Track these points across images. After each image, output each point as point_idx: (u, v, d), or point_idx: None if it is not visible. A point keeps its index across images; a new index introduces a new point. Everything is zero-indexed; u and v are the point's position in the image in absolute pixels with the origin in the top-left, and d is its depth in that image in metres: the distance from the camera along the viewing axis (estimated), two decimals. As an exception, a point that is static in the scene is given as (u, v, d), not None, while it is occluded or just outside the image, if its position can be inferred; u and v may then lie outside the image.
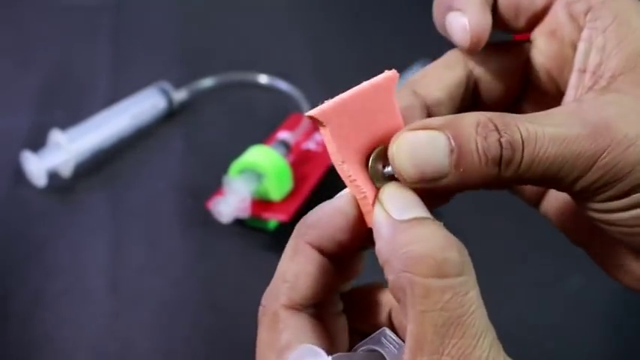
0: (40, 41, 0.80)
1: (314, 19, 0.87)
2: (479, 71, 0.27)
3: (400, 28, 0.82)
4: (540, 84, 0.27)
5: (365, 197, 0.22)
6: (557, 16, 0.25)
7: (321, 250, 0.24)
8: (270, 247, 0.54)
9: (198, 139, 0.66)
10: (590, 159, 0.21)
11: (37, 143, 0.60)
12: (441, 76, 0.26)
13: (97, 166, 0.62)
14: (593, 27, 0.24)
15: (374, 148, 0.22)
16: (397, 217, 0.21)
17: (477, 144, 0.21)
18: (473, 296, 0.20)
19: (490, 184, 0.22)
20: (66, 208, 0.58)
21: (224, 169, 0.56)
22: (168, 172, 0.62)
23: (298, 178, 0.56)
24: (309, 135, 0.63)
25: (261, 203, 0.55)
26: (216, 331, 0.48)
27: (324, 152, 0.60)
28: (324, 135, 0.22)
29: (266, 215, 0.54)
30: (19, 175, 0.59)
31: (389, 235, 0.21)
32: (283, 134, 0.61)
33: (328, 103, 0.22)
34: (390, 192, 0.22)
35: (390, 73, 0.23)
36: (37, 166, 0.58)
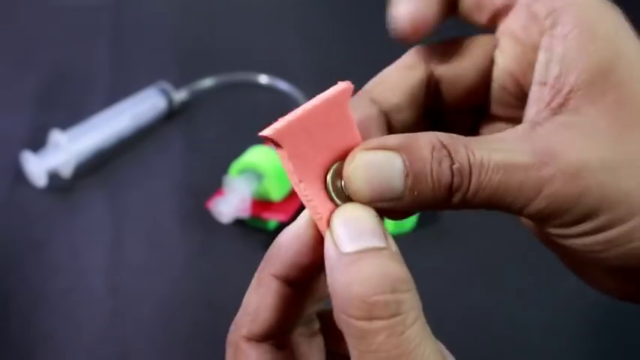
0: (41, 42, 0.80)
1: (314, 19, 0.87)
2: (440, 71, 0.25)
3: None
4: (506, 86, 0.25)
5: (321, 219, 0.21)
6: (519, 16, 0.23)
7: (285, 279, 0.23)
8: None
9: (198, 139, 0.67)
10: (534, 189, 0.20)
11: (37, 143, 0.60)
12: (400, 79, 0.25)
13: (97, 166, 0.62)
14: (553, 34, 0.22)
15: (331, 165, 0.22)
16: (343, 249, 0.20)
17: (431, 169, 0.20)
18: (411, 334, 0.19)
19: (441, 208, 0.21)
20: (66, 208, 0.58)
21: (224, 169, 0.56)
22: (168, 172, 0.62)
23: (298, 178, 0.56)
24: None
25: (261, 203, 0.55)
26: (215, 331, 0.48)
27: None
28: (280, 154, 0.21)
29: (266, 215, 0.54)
30: (19, 176, 0.59)
31: (333, 271, 0.20)
32: (283, 134, 0.61)
33: (282, 122, 0.21)
34: (342, 216, 0.21)
35: (343, 85, 0.22)
36: (37, 167, 0.58)
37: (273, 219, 0.54)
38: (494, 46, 0.25)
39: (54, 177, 0.59)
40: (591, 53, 0.21)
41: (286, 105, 0.69)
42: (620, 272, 0.23)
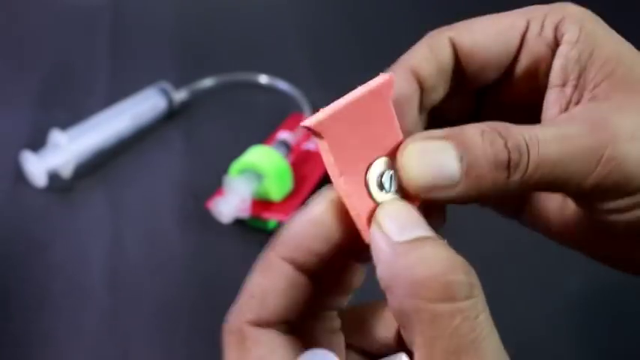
0: (41, 41, 0.80)
1: (314, 19, 0.87)
2: (464, 42, 0.25)
3: (400, 28, 0.82)
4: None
5: (359, 215, 0.21)
6: (531, 45, 0.25)
7: (297, 264, 0.22)
8: (270, 248, 0.54)
9: (199, 139, 0.66)
10: (595, 153, 0.21)
11: (37, 143, 0.60)
12: (432, 52, 0.25)
13: (97, 166, 0.62)
14: (564, 41, 0.24)
15: (372, 161, 0.21)
16: (397, 239, 0.20)
17: (485, 150, 0.20)
18: (483, 320, 0.19)
19: (499, 191, 0.21)
20: (66, 208, 0.58)
21: (224, 169, 0.56)
22: (168, 172, 0.62)
23: (298, 178, 0.56)
24: (309, 135, 0.63)
25: (262, 203, 0.55)
26: (215, 331, 0.48)
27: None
28: (321, 146, 0.20)
29: (266, 215, 0.54)
30: (19, 176, 0.59)
31: (389, 259, 0.20)
32: (283, 134, 0.61)
33: (324, 112, 0.20)
34: (389, 210, 0.21)
35: (386, 78, 0.22)
36: (37, 167, 0.58)
37: (273, 219, 0.54)
38: (526, 25, 0.25)
39: (54, 177, 0.59)
40: (602, 49, 0.23)
41: (286, 105, 0.69)
42: None
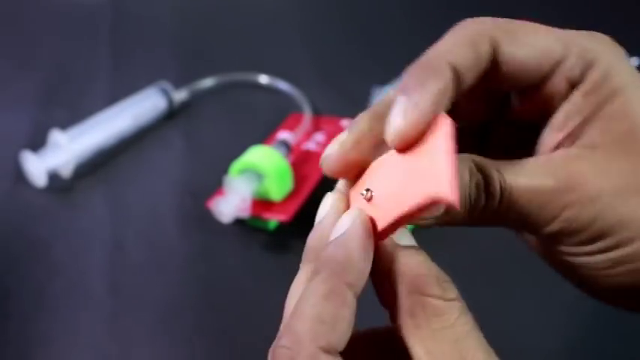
0: (41, 41, 0.80)
1: (314, 19, 0.87)
2: (506, 60, 0.24)
3: (400, 28, 0.82)
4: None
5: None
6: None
7: (356, 293, 0.22)
8: (270, 248, 0.54)
9: (199, 139, 0.67)
10: (556, 210, 0.23)
11: (37, 143, 0.60)
12: (473, 56, 0.24)
13: (97, 166, 0.62)
14: (581, 89, 0.24)
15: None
16: (401, 243, 0.23)
17: (469, 194, 0.23)
18: (470, 316, 0.22)
19: (466, 224, 0.24)
20: (66, 208, 0.58)
21: (224, 169, 0.56)
22: (168, 172, 0.62)
23: (299, 178, 0.56)
24: (309, 135, 0.63)
25: (262, 203, 0.55)
26: (216, 331, 0.48)
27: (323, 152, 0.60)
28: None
29: (266, 215, 0.54)
30: (19, 175, 0.59)
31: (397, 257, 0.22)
32: (284, 134, 0.61)
33: (450, 179, 0.19)
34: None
35: (446, 125, 0.21)
36: (37, 166, 0.58)
37: (273, 219, 0.54)
38: (562, 55, 0.24)
39: (54, 177, 0.59)
40: (611, 106, 0.24)
41: (286, 105, 0.69)
42: (626, 290, 0.25)
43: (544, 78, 0.24)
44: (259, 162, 0.54)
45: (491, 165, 0.23)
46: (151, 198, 0.60)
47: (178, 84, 0.69)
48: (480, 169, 0.23)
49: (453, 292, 0.22)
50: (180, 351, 0.47)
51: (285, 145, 0.59)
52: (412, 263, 0.22)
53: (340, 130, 0.63)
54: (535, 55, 0.24)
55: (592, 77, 0.24)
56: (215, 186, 0.56)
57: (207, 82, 0.71)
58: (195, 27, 0.84)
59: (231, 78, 0.72)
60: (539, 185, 0.23)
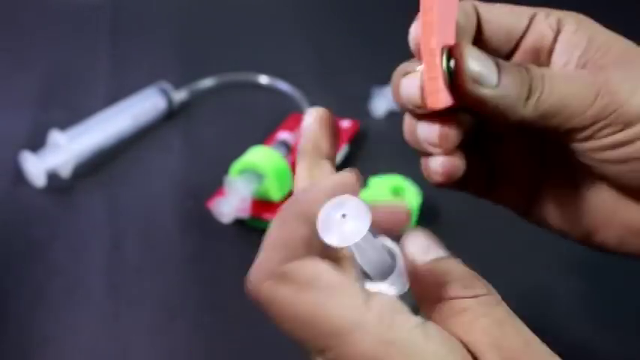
0: (40, 41, 0.80)
1: (314, 19, 0.87)
2: (485, 18, 0.28)
3: (400, 28, 0.82)
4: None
5: (437, 77, 0.24)
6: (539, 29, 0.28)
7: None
8: (270, 248, 0.54)
9: (198, 139, 0.66)
10: (593, 88, 0.25)
11: (37, 143, 0.60)
12: (468, 16, 0.27)
13: (97, 166, 0.62)
14: (564, 30, 0.27)
15: (445, 43, 0.25)
16: (422, 259, 0.25)
17: (513, 72, 0.25)
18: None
19: (518, 112, 0.25)
20: (65, 208, 0.58)
21: (224, 169, 0.56)
22: (167, 172, 0.62)
23: (298, 178, 0.56)
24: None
25: (262, 204, 0.55)
26: (216, 331, 0.48)
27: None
28: (426, 5, 0.24)
29: (266, 216, 0.54)
30: (18, 176, 0.59)
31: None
32: (283, 134, 0.61)
33: None
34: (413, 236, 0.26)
35: None
36: (36, 167, 0.58)
37: (273, 219, 0.54)
38: (534, 12, 0.28)
39: (53, 177, 0.59)
40: (598, 36, 0.27)
41: (286, 105, 0.69)
42: None
43: (525, 29, 0.28)
44: (259, 162, 0.54)
45: (531, 64, 0.26)
46: (151, 198, 0.59)
47: (178, 84, 0.69)
48: (523, 65, 0.26)
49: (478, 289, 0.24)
50: (179, 351, 0.47)
51: (285, 146, 0.59)
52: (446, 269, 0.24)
53: (340, 130, 0.63)
54: (508, 12, 0.28)
55: (569, 22, 0.27)
56: (215, 186, 0.56)
57: (207, 83, 0.71)
58: (195, 27, 0.84)
59: (230, 78, 0.72)
60: (572, 74, 0.26)
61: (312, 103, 0.67)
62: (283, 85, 0.71)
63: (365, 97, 0.67)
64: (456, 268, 0.24)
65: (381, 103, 0.66)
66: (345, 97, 0.69)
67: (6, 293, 0.50)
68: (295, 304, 0.22)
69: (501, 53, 0.28)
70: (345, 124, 0.65)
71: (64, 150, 0.59)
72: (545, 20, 0.27)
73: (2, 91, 0.72)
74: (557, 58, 0.27)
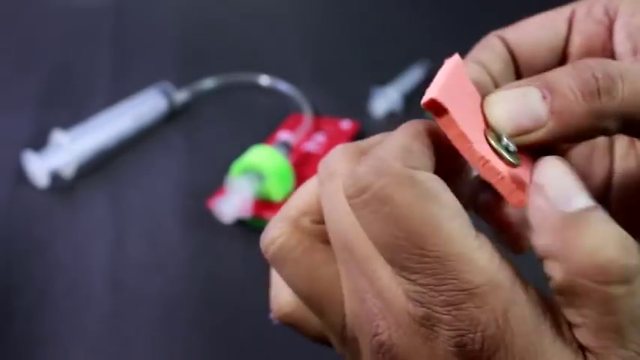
0: (43, 42, 0.80)
1: (314, 19, 0.87)
2: (516, 46, 0.25)
3: (400, 28, 0.82)
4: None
5: (503, 178, 0.20)
6: (584, 29, 0.25)
7: None
8: (271, 247, 0.54)
9: (200, 139, 0.67)
10: None
11: (39, 143, 0.60)
12: (495, 55, 0.25)
13: (99, 166, 0.62)
14: (621, 14, 0.24)
15: (481, 128, 0.21)
16: (564, 208, 0.19)
17: (569, 84, 0.20)
18: None
19: (594, 123, 0.20)
20: (68, 208, 0.59)
21: (225, 169, 0.56)
22: (169, 172, 0.62)
23: (299, 179, 0.57)
24: (309, 136, 0.63)
25: (263, 203, 0.55)
26: (216, 331, 0.49)
27: (324, 154, 0.60)
28: (444, 122, 0.20)
29: (268, 215, 0.54)
30: (20, 176, 0.59)
31: (557, 229, 0.19)
32: (284, 135, 0.62)
33: (436, 85, 0.20)
34: (547, 174, 0.20)
35: (454, 57, 0.22)
36: (38, 167, 0.58)
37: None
38: (572, 11, 0.25)
39: (56, 177, 0.59)
40: None
41: (287, 105, 0.69)
42: None
43: (567, 35, 0.24)
44: (260, 162, 0.54)
45: (597, 58, 0.22)
46: (153, 198, 0.60)
47: (179, 85, 0.70)
48: (583, 62, 0.21)
49: (635, 274, 0.18)
50: (180, 350, 0.48)
51: (286, 146, 0.59)
52: (584, 241, 0.18)
53: (340, 130, 0.64)
54: (540, 23, 0.24)
55: (624, 4, 0.24)
56: (216, 186, 0.56)
57: (208, 83, 0.71)
58: (196, 28, 0.85)
59: (231, 79, 0.72)
60: None
61: (312, 104, 0.67)
62: (283, 86, 0.71)
63: (365, 97, 0.67)
64: (610, 235, 0.18)
65: (381, 103, 0.66)
66: (345, 97, 0.69)
67: (9, 292, 0.51)
68: (416, 212, 0.19)
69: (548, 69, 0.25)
70: (345, 124, 0.65)
71: (67, 150, 0.59)
72: (588, 16, 0.24)
73: (5, 91, 0.72)
74: (623, 49, 0.24)
